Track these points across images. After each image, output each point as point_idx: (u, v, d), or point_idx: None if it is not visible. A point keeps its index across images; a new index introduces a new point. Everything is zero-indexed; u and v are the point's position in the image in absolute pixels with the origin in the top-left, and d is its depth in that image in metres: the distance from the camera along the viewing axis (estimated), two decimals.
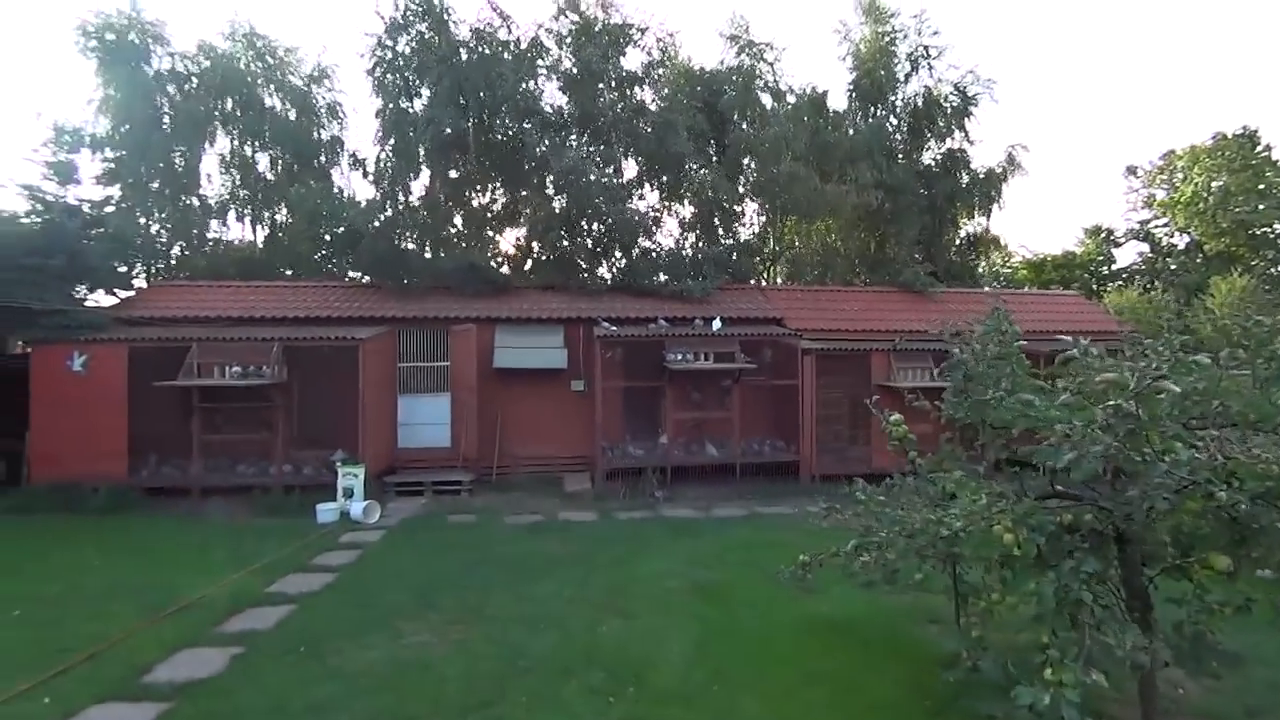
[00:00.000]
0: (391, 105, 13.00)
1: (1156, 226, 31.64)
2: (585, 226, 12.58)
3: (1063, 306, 14.89)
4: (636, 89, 14.55)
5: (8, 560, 7.19)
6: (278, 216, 16.34)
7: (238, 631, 5.18)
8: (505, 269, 13.00)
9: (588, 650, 4.89)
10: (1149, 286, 27.56)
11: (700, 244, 13.65)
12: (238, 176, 15.47)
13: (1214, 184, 27.06)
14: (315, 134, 15.80)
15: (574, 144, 12.79)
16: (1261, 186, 25.64)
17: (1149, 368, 3.40)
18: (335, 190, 14.10)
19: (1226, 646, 3.29)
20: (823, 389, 11.49)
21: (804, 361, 11.09)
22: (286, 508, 9.53)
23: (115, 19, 13.86)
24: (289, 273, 15.22)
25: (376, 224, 11.42)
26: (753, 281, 14.81)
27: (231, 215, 15.62)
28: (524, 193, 13.25)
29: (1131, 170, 32.60)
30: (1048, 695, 2.74)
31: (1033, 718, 2.83)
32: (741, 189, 14.78)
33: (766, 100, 15.30)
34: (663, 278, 12.49)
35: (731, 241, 14.23)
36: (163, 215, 14.46)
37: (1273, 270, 25.63)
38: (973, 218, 16.25)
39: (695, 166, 13.21)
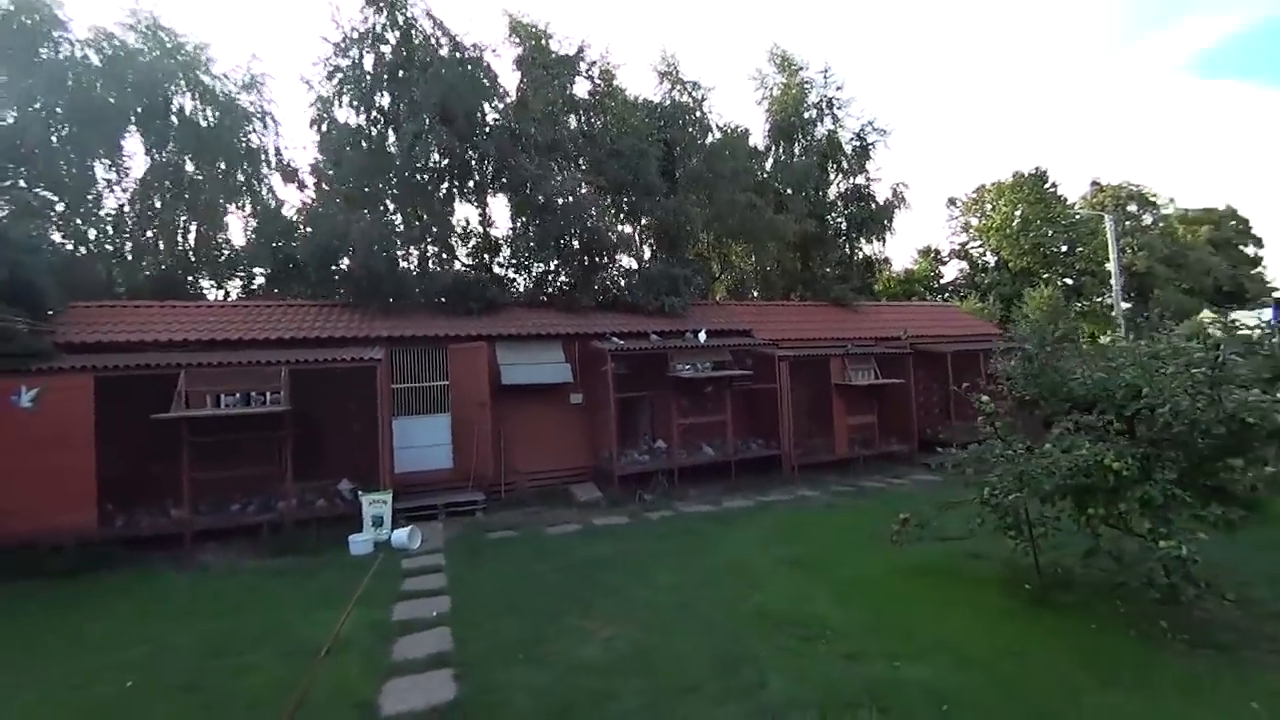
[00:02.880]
0: (360, 119, 12.55)
1: (973, 247, 38.37)
2: (570, 246, 13.01)
3: (947, 315, 18.02)
4: (592, 117, 15.32)
5: (26, 636, 6.10)
6: (192, 229, 14.72)
7: (425, 656, 5.11)
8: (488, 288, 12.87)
9: (761, 614, 5.65)
10: (976, 297, 33.41)
11: (663, 263, 14.58)
12: (156, 184, 13.70)
13: (1016, 213, 33.67)
14: (242, 142, 14.49)
15: (551, 167, 13.21)
16: (1051, 215, 32.44)
17: (1180, 352, 5.08)
18: (304, 204, 13.11)
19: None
20: (792, 390, 13.01)
21: (780, 367, 12.51)
22: (302, 544, 8.85)
23: None
24: (212, 289, 13.84)
25: (365, 242, 10.93)
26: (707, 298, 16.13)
27: (148, 228, 13.77)
28: (509, 212, 13.40)
29: (952, 201, 39.32)
30: (1185, 546, 4.18)
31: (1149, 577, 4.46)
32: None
33: (706, 136, 16.79)
34: (643, 295, 13.28)
35: (692, 259, 15.41)
36: (61, 225, 12.45)
37: (1064, 282, 32.32)
38: (871, 242, 19.02)
39: (661, 194, 14.21)
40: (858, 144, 18.58)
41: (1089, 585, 6.00)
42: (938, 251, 39.51)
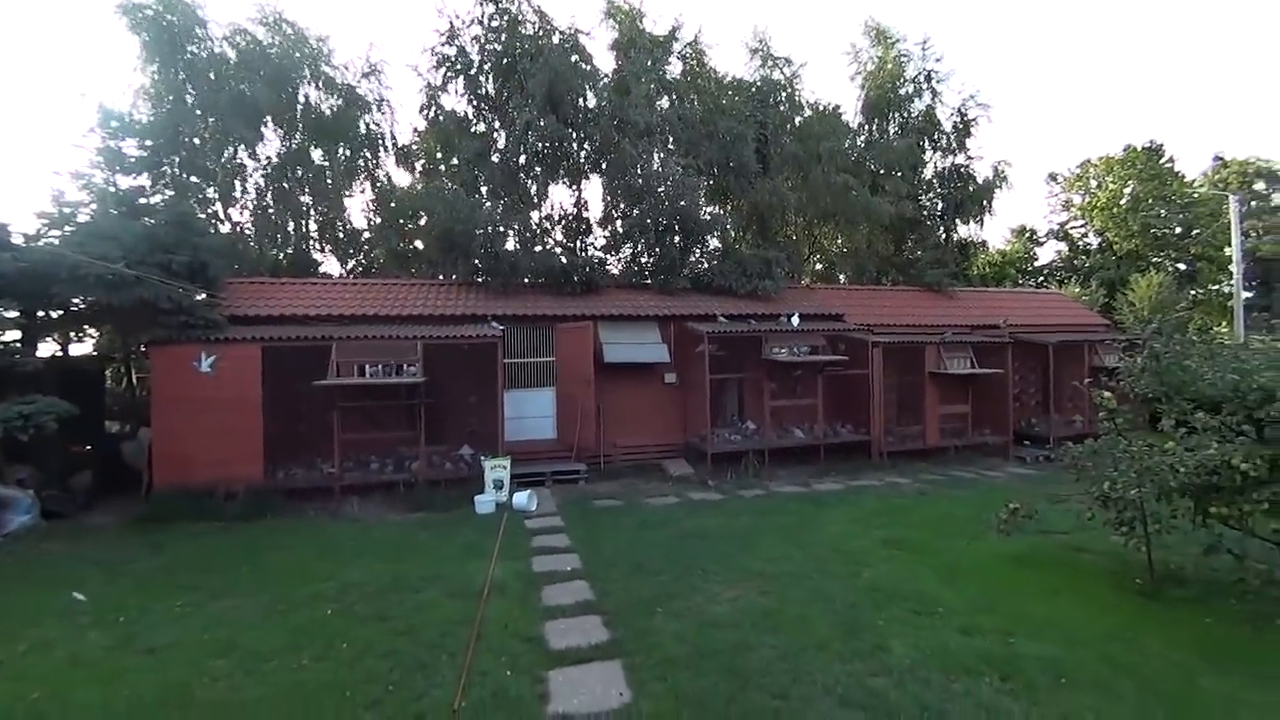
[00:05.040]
0: (467, 107, 13.37)
1: (1074, 227, 36.08)
2: (665, 228, 13.45)
3: (1049, 302, 17.37)
4: (685, 99, 15.55)
5: (225, 567, 7.15)
6: (314, 212, 16.10)
7: (573, 603, 5.80)
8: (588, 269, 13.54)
9: (874, 588, 6.07)
10: (1075, 281, 31.59)
11: (754, 245, 14.81)
12: (286, 170, 15.09)
13: (1125, 190, 31.41)
14: (360, 128, 15.65)
15: (649, 150, 13.62)
16: (1166, 194, 30.11)
17: None
18: (413, 187, 14.16)
19: None
20: (884, 377, 13.08)
21: (873, 353, 12.61)
22: (433, 501, 9.86)
23: None
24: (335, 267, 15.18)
25: (487, 225, 11.78)
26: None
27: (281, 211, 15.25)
28: (601, 194, 14.01)
29: (1052, 177, 36.97)
30: None
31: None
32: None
33: (797, 114, 16.70)
34: (735, 278, 13.60)
35: (782, 241, 15.57)
36: (204, 206, 14.00)
37: (1176, 267, 30.08)
38: (967, 224, 18.46)
39: (755, 175, 14.38)
40: (958, 120, 17.97)
41: (1202, 582, 6.09)
42: (1033, 231, 37.41)
